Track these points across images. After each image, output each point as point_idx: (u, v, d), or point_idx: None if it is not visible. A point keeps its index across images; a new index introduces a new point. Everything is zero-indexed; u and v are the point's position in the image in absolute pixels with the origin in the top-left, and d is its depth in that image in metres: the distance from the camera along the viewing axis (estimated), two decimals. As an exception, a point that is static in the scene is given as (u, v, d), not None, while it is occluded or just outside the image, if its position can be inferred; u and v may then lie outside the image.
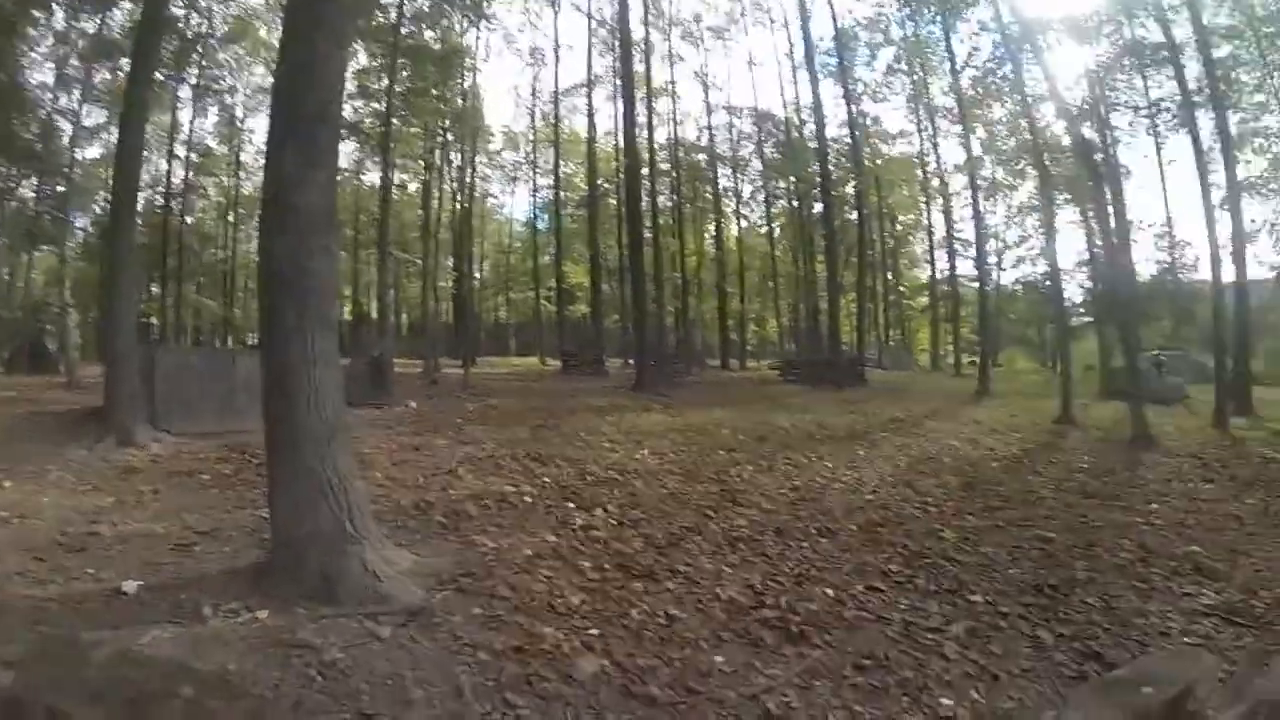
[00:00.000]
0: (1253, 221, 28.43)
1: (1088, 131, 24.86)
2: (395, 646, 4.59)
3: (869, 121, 45.13)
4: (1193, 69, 24.45)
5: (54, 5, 28.46)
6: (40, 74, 32.00)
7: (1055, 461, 12.65)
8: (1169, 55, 24.41)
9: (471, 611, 5.10)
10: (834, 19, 36.22)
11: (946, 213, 42.90)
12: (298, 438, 5.52)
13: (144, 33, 15.39)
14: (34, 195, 33.58)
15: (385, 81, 30.78)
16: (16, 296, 36.90)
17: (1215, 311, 20.98)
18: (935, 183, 44.37)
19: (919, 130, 43.66)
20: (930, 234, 49.90)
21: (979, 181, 33.64)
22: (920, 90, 40.24)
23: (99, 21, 30.50)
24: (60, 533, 7.11)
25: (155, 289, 40.71)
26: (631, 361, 30.05)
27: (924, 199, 48.58)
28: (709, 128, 47.16)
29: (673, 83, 43.69)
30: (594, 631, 4.83)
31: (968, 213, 37.52)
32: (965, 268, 43.82)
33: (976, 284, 38.04)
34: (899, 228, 54.99)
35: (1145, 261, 38.67)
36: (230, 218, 47.64)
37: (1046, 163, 22.24)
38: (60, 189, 33.25)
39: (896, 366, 45.04)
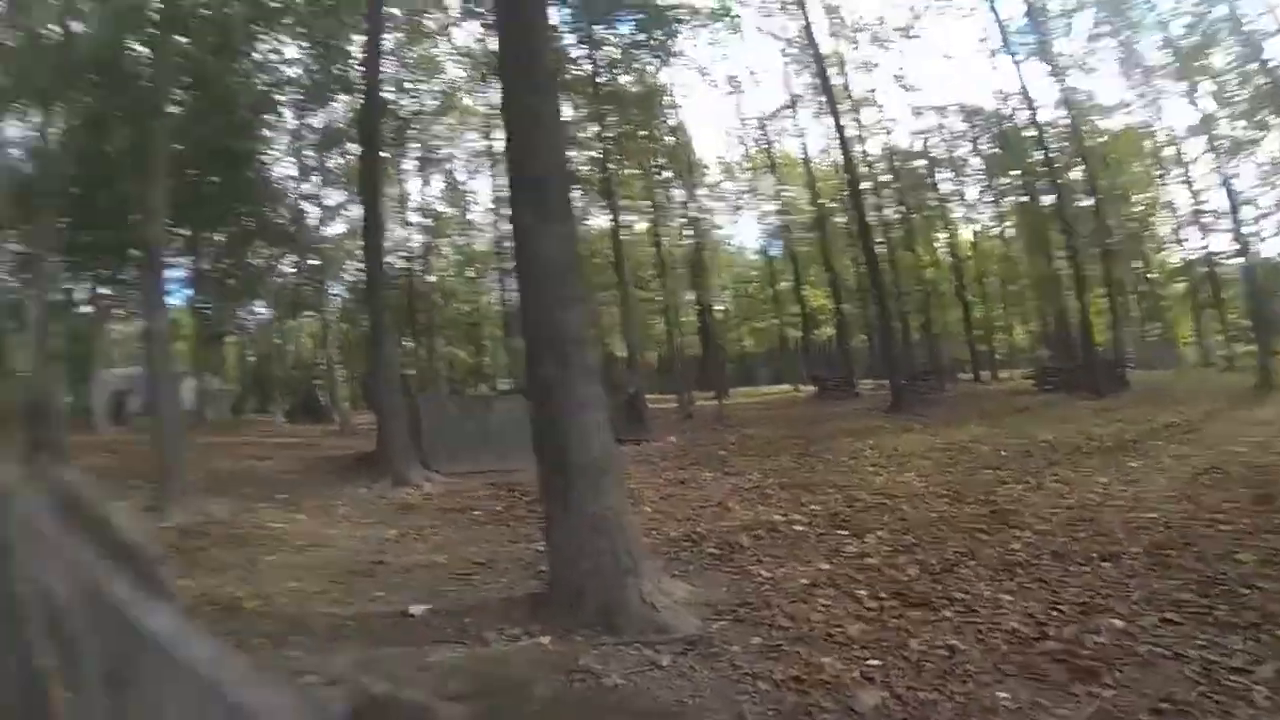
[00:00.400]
0: None
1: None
2: (676, 674, 4.76)
3: (1083, 97, 42.69)
4: None
5: (282, 108, 32.36)
6: (283, 167, 36.34)
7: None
8: None
9: (750, 641, 5.22)
10: None
11: (1188, 183, 39.69)
12: (571, 478, 5.88)
13: (365, 119, 16.95)
14: (294, 270, 38.79)
15: (595, 129, 31.69)
16: (289, 357, 42.64)
17: None
18: (1168, 151, 41.13)
19: (1138, 96, 40.62)
20: (1174, 210, 46.20)
21: (1217, 143, 31.16)
22: (1130, 52, 37.54)
23: (324, 116, 34.19)
24: (351, 560, 7.79)
25: (409, 343, 43.40)
26: (882, 381, 29.65)
27: (1159, 172, 44.94)
28: (921, 133, 45.56)
29: (873, 91, 42.51)
30: (874, 662, 4.80)
31: (1213, 180, 34.47)
32: (1221, 243, 39.80)
33: (1238, 259, 34.26)
34: (1137, 209, 51.03)
35: None
36: (470, 273, 50.14)
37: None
38: (315, 262, 37.39)
39: (1159, 365, 42.12)
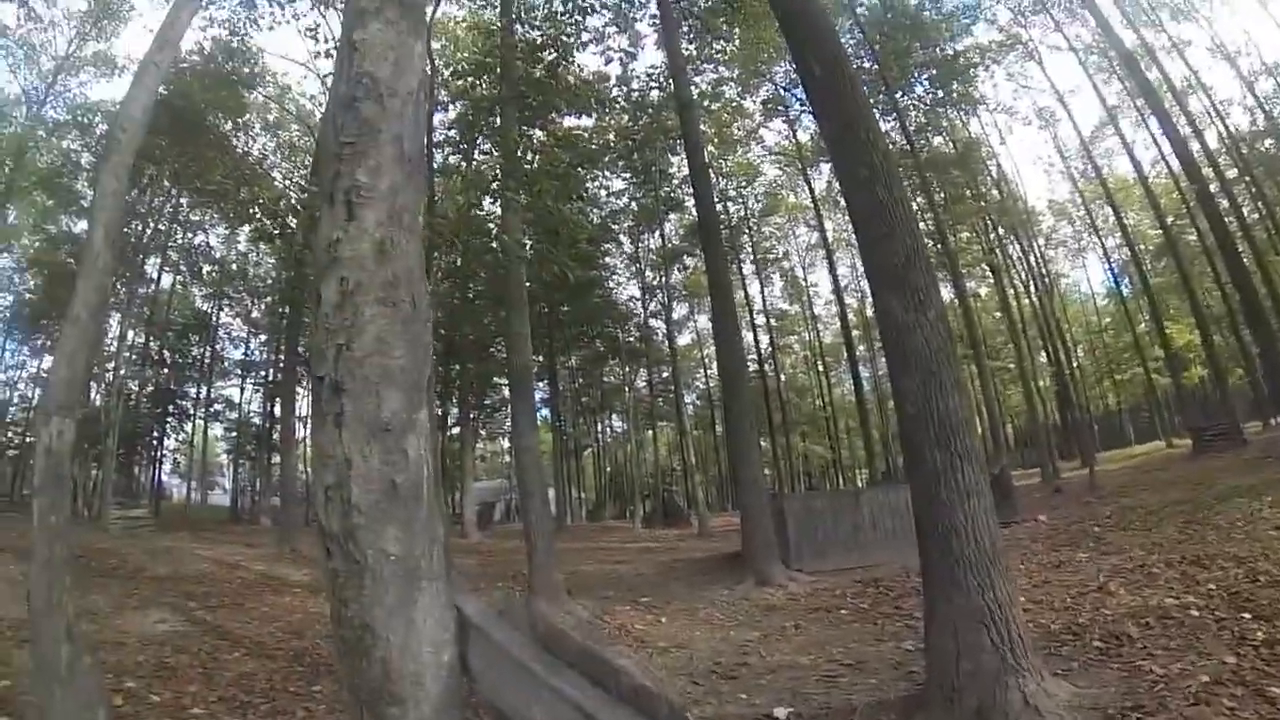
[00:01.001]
0: None
1: None
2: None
3: None
4: None
5: (620, 237, 36.93)
6: (628, 289, 41.18)
7: None
8: None
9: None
10: None
11: None
12: (955, 570, 5.76)
13: (704, 228, 17.92)
14: (645, 384, 42.68)
15: (921, 200, 31.27)
16: (645, 465, 45.24)
17: None
18: None
19: None
20: None
21: None
22: None
23: (660, 235, 37.71)
24: (713, 662, 7.82)
25: (765, 443, 44.23)
26: (1272, 423, 26.68)
27: None
28: (1261, 106, 38.38)
29: (1194, 74, 37.86)
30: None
31: None
32: None
33: None
34: None
35: None
36: (820, 367, 50.46)
37: None
38: (666, 374, 41.41)
39: None
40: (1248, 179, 37.57)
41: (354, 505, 2.45)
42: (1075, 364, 53.05)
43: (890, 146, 28.87)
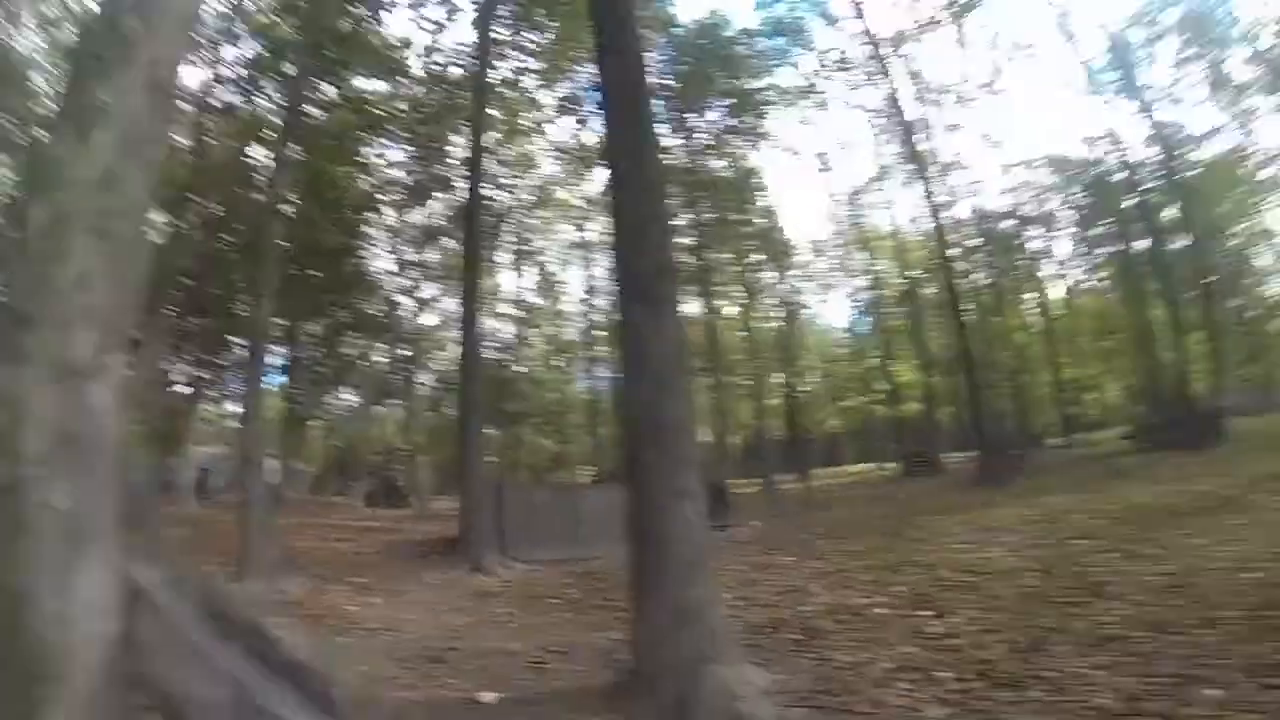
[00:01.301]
0: None
1: None
2: (752, 765, 4.68)
3: (1172, 130, 41.88)
4: None
5: (384, 207, 34.74)
6: (381, 261, 38.57)
7: None
8: None
9: (829, 729, 5.08)
10: (1103, 30, 33.95)
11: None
12: (664, 567, 5.92)
13: (468, 217, 17.68)
14: (385, 359, 40.59)
15: (689, 217, 32.10)
16: (374, 442, 44.64)
17: None
18: (1265, 175, 39.06)
19: (1231, 119, 39.39)
20: (1272, 239, 44.06)
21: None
22: (1217, 72, 36.70)
23: (426, 213, 36.36)
24: (423, 646, 7.80)
25: (495, 430, 44.09)
26: (971, 454, 29.12)
27: (1258, 199, 43.37)
28: (1009, 190, 44.70)
29: (959, 154, 42.11)
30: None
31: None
32: None
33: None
34: (1234, 241, 49.13)
35: None
36: (559, 363, 50.81)
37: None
38: (405, 352, 39.59)
39: (1263, 409, 40.12)
40: (986, 248, 42.01)
41: (23, 453, 2.20)
42: (807, 388, 55.95)
43: (670, 162, 29.60)
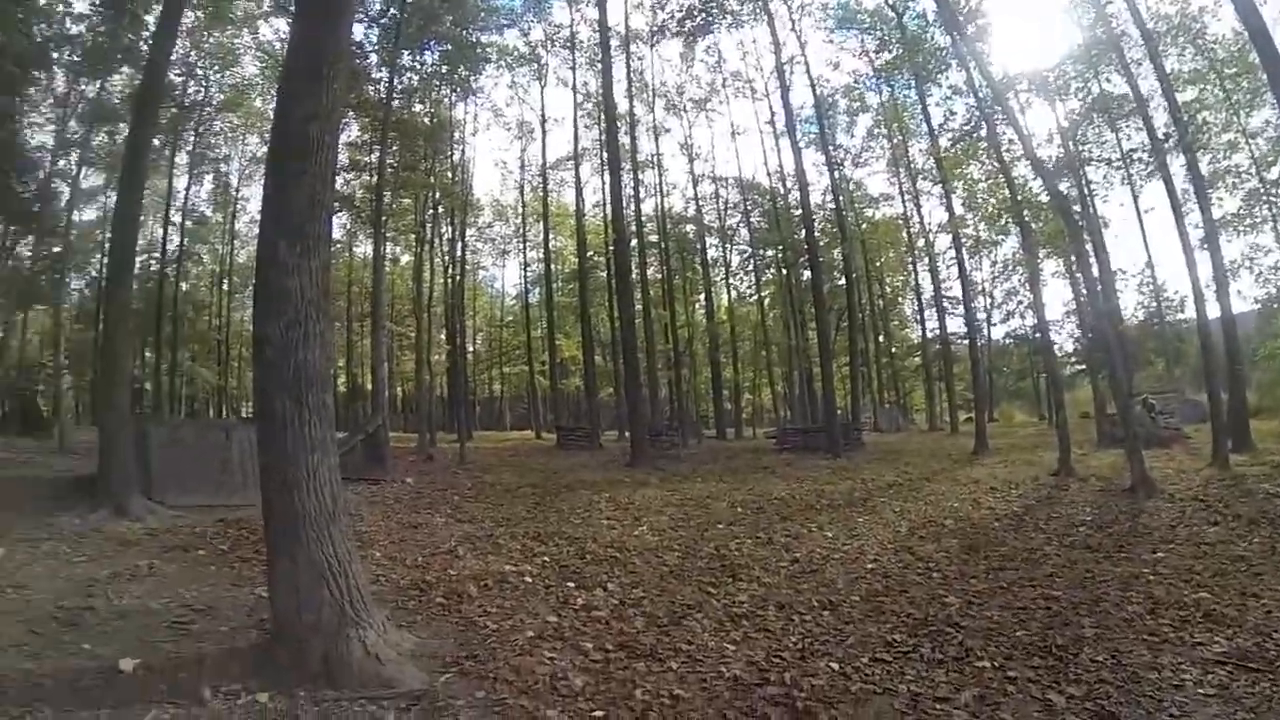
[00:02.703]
0: (1233, 262, 29.32)
1: (1064, 187, 25.14)
2: (399, 731, 4.57)
3: (852, 186, 46.33)
4: (1160, 117, 25.89)
5: (55, 68, 28.76)
6: (41, 135, 32.27)
7: (1056, 516, 12.51)
8: (1136, 106, 25.78)
9: (475, 695, 5.09)
10: (813, 88, 36.64)
11: (933, 272, 43.19)
12: (296, 524, 5.52)
13: (143, 99, 15.58)
14: (30, 256, 33.49)
15: (376, 155, 30.68)
16: (11, 356, 36.10)
17: (1204, 350, 21.22)
18: (920, 243, 44.78)
19: (901, 193, 44.52)
20: (919, 294, 50.27)
21: (963, 239, 34.02)
22: (900, 154, 41.34)
23: (99, 86, 30.83)
24: (56, 605, 7.07)
25: (150, 355, 40.55)
26: (627, 434, 30.02)
27: (911, 259, 48.73)
28: (696, 199, 47.19)
29: (658, 155, 43.65)
30: (598, 714, 4.79)
31: (955, 271, 37.80)
32: (956, 325, 43.69)
33: (967, 340, 38.05)
34: (888, 290, 55.25)
35: (1132, 307, 39.23)
36: (225, 286, 47.75)
37: (1027, 218, 22.35)
38: (57, 250, 33.10)
39: (893, 428, 44.77)
40: (664, 246, 44.49)
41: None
42: (472, 348, 55.95)
43: (360, 96, 28.18)
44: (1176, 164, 25.79)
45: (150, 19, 23.33)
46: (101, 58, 27.76)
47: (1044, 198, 20.97)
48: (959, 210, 32.59)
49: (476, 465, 22.78)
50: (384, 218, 31.66)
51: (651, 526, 12.00)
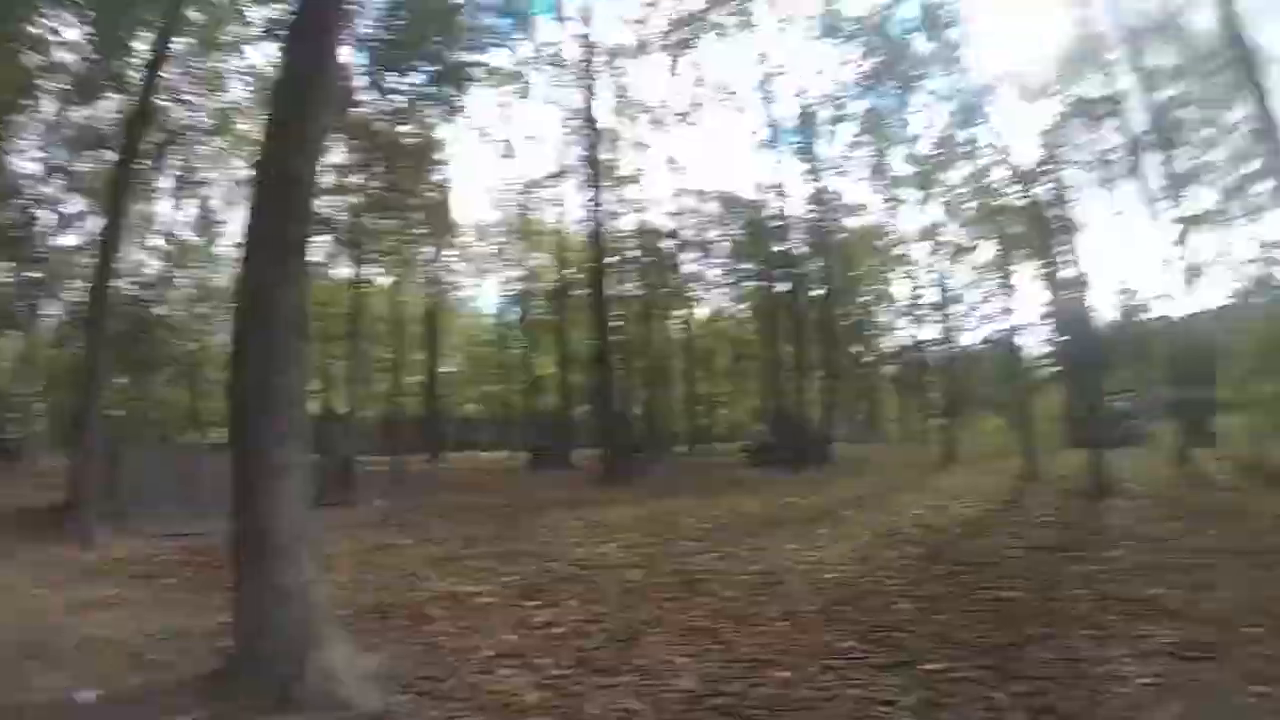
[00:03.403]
0: (1205, 262, 29.24)
1: (1043, 190, 25.45)
2: (356, 752, 4.65)
3: (832, 195, 46.41)
4: (1138, 116, 26.57)
5: (41, 96, 28.50)
6: (26, 163, 31.89)
7: (1018, 520, 12.80)
8: (1114, 108, 26.47)
9: (430, 714, 5.13)
10: (797, 97, 37.10)
11: (911, 280, 43.36)
12: (263, 547, 5.56)
13: (132, 126, 15.59)
14: (10, 280, 33.25)
15: (358, 177, 30.56)
16: None
17: (1172, 350, 21.56)
18: (898, 251, 44.47)
19: (882, 200, 44.51)
20: (894, 303, 50.49)
21: (940, 246, 34.26)
22: (881, 161, 41.37)
23: (86, 115, 30.30)
24: (17, 636, 7.06)
25: (122, 380, 40.14)
26: (600, 452, 30.03)
27: (887, 269, 49.05)
28: (677, 213, 46.51)
29: (640, 170, 43.70)
30: (549, 727, 4.82)
31: (932, 278, 38.19)
32: (931, 333, 43.91)
33: (942, 348, 38.26)
34: (865, 299, 55.52)
35: (1105, 308, 39.78)
36: (203, 310, 47.22)
37: (1002, 223, 22.60)
38: (35, 275, 32.94)
39: (866, 440, 45.00)
40: (643, 262, 44.30)
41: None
42: (449, 369, 55.71)
43: (345, 119, 28.04)
44: (1153, 162, 26.61)
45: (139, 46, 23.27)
46: (90, 87, 27.22)
47: (1019, 202, 21.06)
48: (938, 216, 32.77)
49: (448, 486, 22.77)
50: (363, 238, 31.59)
51: (619, 543, 12.03)
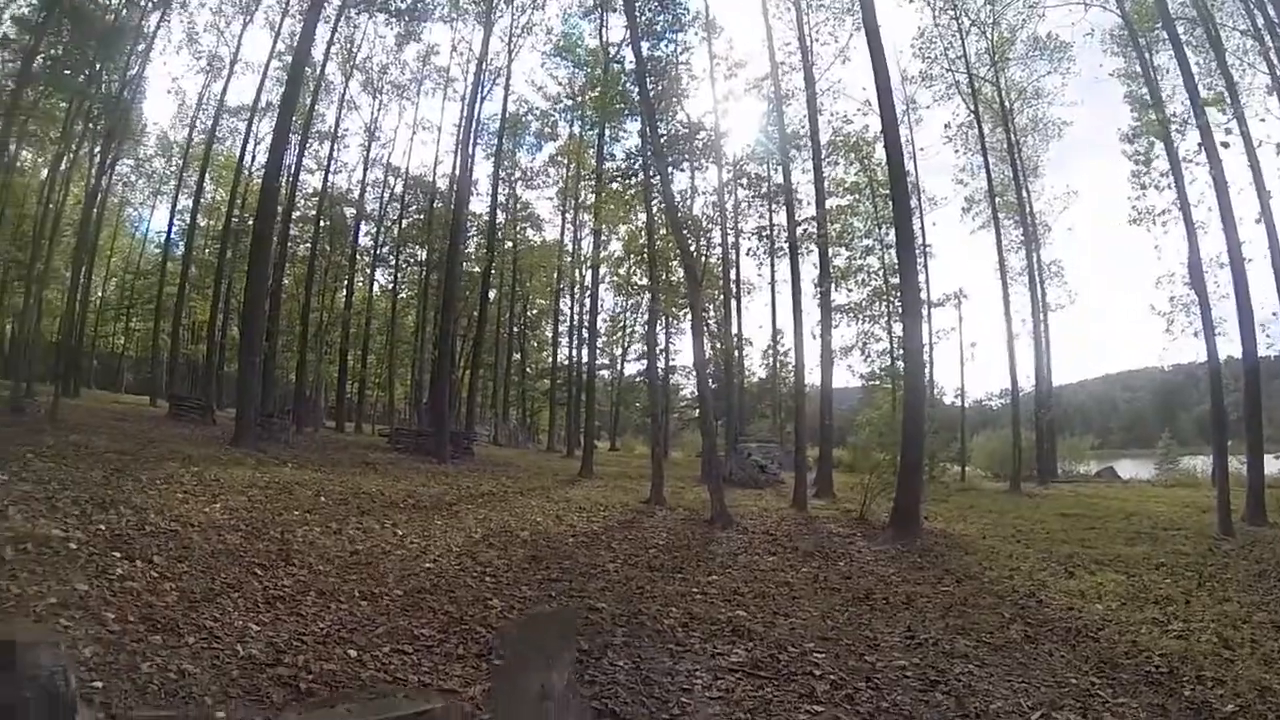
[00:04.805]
0: (844, 348, 35.17)
1: (710, 245, 27.08)
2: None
3: (519, 205, 47.05)
4: (807, 210, 29.43)
5: None
6: None
7: (632, 538, 13.40)
8: (785, 198, 29.09)
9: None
10: (505, 102, 37.51)
11: (578, 302, 44.65)
12: None
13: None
14: None
15: (30, 39, 26.79)
16: None
17: (797, 410, 23.92)
18: (575, 274, 45.98)
19: (564, 220, 45.59)
20: (559, 320, 52.12)
21: (610, 278, 35.09)
22: (571, 185, 42.21)
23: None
24: None
25: None
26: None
27: (560, 286, 50.24)
28: (363, 183, 45.98)
29: (336, 128, 42.25)
30: (98, 684, 4.66)
31: (599, 304, 39.33)
32: (588, 356, 45.33)
33: (601, 372, 39.65)
34: (533, 311, 56.59)
35: (755, 367, 42.84)
36: None
37: (658, 270, 23.64)
38: None
39: (512, 443, 45.50)
40: (318, 224, 43.39)
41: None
42: (99, 293, 51.22)
43: None
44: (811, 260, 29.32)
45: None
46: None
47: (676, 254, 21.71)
48: (613, 248, 33.53)
49: (71, 424, 20.85)
50: (24, 116, 27.99)
51: (225, 505, 11.54)
